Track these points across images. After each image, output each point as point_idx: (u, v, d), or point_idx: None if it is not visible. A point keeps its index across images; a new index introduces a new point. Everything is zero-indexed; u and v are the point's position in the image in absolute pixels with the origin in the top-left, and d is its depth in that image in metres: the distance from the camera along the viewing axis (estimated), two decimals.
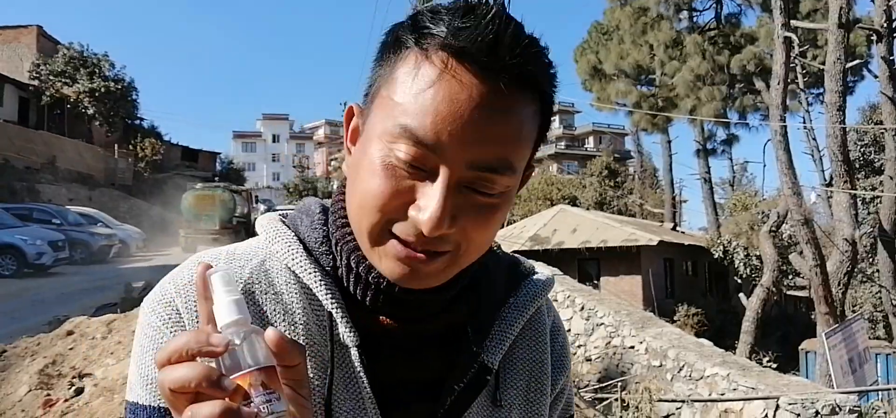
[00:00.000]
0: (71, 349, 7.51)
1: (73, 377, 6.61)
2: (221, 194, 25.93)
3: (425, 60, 0.75)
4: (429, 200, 0.74)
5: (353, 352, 0.85)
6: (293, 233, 0.91)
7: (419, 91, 0.74)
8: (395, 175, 0.76)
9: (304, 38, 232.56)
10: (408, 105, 0.75)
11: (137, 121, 42.11)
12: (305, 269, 0.87)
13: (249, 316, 0.68)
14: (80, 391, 6.29)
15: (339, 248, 0.89)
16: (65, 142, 33.47)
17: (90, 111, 35.37)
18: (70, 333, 8.02)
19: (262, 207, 31.14)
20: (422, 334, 0.89)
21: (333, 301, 0.85)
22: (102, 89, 35.44)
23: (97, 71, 36.16)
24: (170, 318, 0.82)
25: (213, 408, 0.60)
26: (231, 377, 0.62)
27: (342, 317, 0.85)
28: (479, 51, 0.73)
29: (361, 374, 0.84)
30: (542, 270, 1.03)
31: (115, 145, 37.20)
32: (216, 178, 50.96)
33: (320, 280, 0.86)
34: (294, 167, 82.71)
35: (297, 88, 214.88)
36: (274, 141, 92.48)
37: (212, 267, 0.71)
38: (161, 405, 0.80)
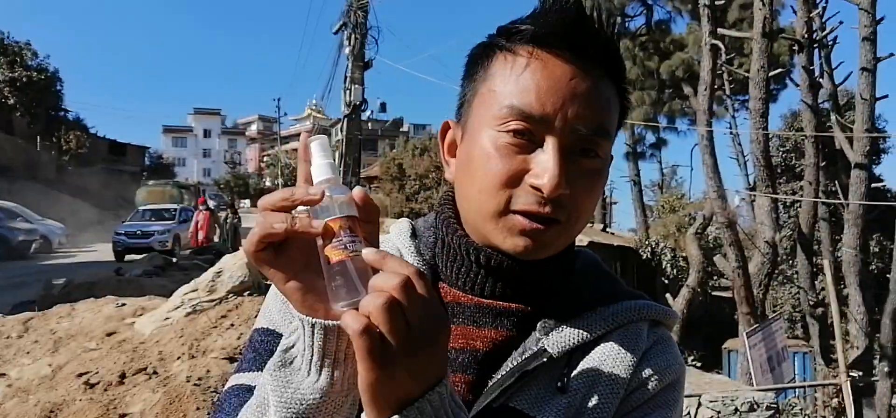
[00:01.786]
0: None
1: None
2: (170, 189, 31.83)
3: (517, 54, 0.87)
4: (545, 165, 0.83)
5: None
6: (410, 226, 1.06)
7: (518, 75, 0.85)
8: (508, 153, 0.85)
9: (237, 33, 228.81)
10: (509, 89, 0.85)
11: (62, 113, 40.83)
12: (405, 245, 1.01)
13: (339, 177, 0.77)
14: None
15: (438, 225, 1.00)
16: None
17: (10, 101, 34.14)
18: None
19: (211, 202, 32.11)
20: (498, 312, 0.94)
21: (420, 264, 0.98)
22: (24, 79, 34.29)
23: (18, 60, 34.97)
24: None
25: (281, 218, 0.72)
26: (324, 220, 0.72)
27: None
28: (566, 33, 0.85)
29: None
30: (658, 305, 1.03)
31: (38, 137, 35.98)
32: (144, 174, 49.86)
33: (413, 252, 1.00)
34: (226, 163, 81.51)
35: (229, 83, 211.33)
36: (205, 136, 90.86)
37: (312, 136, 0.79)
38: (268, 326, 0.97)
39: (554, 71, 0.84)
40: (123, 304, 8.51)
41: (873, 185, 19.27)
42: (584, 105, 0.84)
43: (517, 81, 0.84)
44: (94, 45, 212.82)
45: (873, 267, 24.04)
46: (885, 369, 18.48)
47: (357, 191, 0.75)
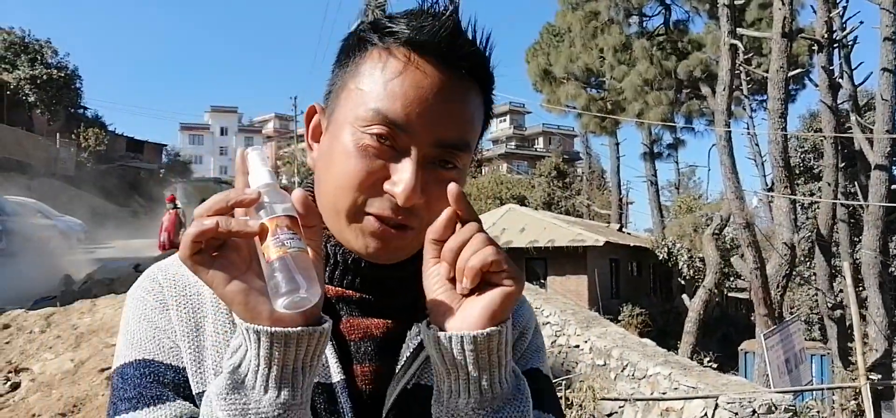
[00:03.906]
0: (7, 343, 7.35)
1: (9, 371, 6.45)
2: (212, 186, 37.81)
3: (390, 55, 0.86)
4: (402, 174, 0.83)
5: None
6: None
7: (387, 80, 0.84)
8: (368, 155, 0.85)
9: (254, 31, 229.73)
10: (377, 92, 0.85)
11: (81, 111, 40.98)
12: None
13: (278, 184, 0.78)
14: (16, 386, 6.15)
15: None
16: (3, 129, 32.43)
17: (31, 98, 34.38)
18: (6, 326, 7.84)
19: None
20: (381, 302, 0.96)
21: None
22: (44, 76, 34.47)
23: (39, 57, 35.17)
24: (151, 290, 0.92)
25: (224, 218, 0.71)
26: (261, 221, 0.72)
27: None
28: (439, 44, 0.85)
29: None
30: None
31: (57, 134, 36.16)
32: (162, 171, 50.12)
33: None
34: None
35: (246, 81, 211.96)
36: (222, 134, 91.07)
37: (249, 148, 0.80)
38: (143, 357, 0.87)
39: (423, 81, 0.84)
40: None
41: (893, 187, 19.06)
42: (448, 120, 0.86)
43: (386, 85, 0.85)
44: (112, 43, 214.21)
45: (893, 269, 23.82)
46: None
47: (297, 194, 0.75)
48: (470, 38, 0.89)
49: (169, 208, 17.07)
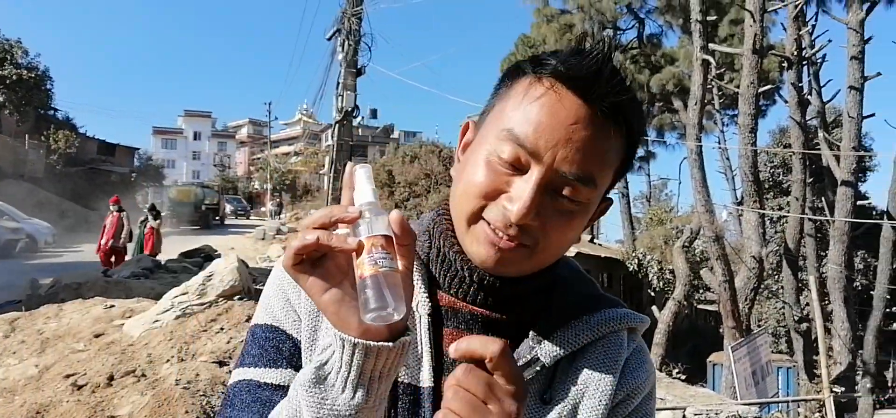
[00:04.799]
0: None
1: None
2: (195, 189, 40.07)
3: (537, 82, 0.91)
4: (520, 192, 0.88)
5: (424, 320, 0.98)
6: None
7: (527, 104, 0.90)
8: (495, 169, 0.91)
9: (229, 36, 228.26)
10: (515, 114, 0.91)
11: (51, 112, 40.40)
12: None
13: (379, 203, 0.82)
14: None
15: (434, 233, 1.04)
16: None
17: (0, 99, 33.88)
18: None
19: (228, 207, 45.92)
20: (490, 321, 1.00)
21: (416, 275, 0.99)
22: (14, 77, 33.97)
23: (9, 57, 34.63)
24: (286, 277, 1.02)
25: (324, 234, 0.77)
26: (359, 238, 0.77)
27: (420, 288, 1.00)
28: (583, 79, 0.89)
29: (425, 337, 0.98)
30: (635, 313, 1.10)
31: (26, 136, 35.64)
32: (133, 175, 49.53)
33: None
34: (215, 165, 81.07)
35: (220, 86, 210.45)
36: (195, 138, 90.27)
37: (358, 165, 0.85)
38: (272, 323, 1.01)
39: (559, 111, 0.88)
40: (112, 306, 8.48)
41: (859, 203, 19.41)
42: (576, 151, 0.88)
43: (524, 110, 0.90)
44: (85, 44, 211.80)
45: (857, 284, 24.22)
46: (868, 385, 18.61)
47: (394, 215, 0.79)
48: (617, 80, 0.91)
49: (112, 210, 16.41)
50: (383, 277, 0.75)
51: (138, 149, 57.05)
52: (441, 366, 0.97)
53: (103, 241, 16.04)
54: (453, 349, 0.80)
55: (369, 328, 0.77)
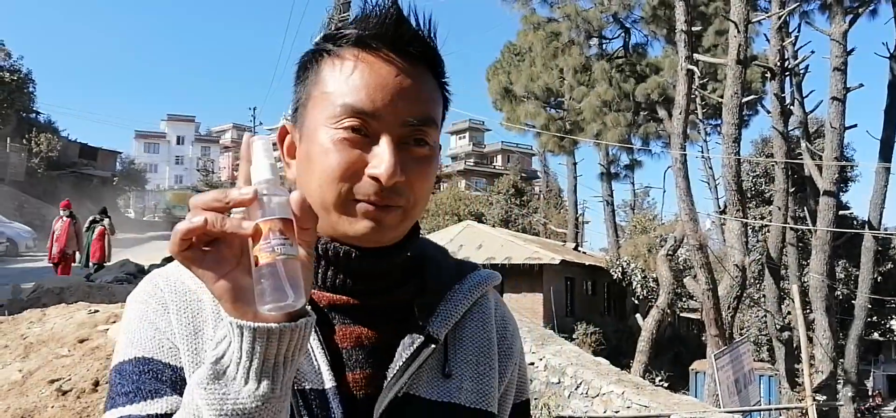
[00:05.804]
0: None
1: None
2: (190, 193, 43.10)
3: (345, 56, 0.93)
4: (381, 156, 0.89)
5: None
6: None
7: (347, 76, 0.91)
8: (345, 147, 0.90)
9: (213, 40, 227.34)
10: (341, 90, 0.91)
11: (33, 115, 40.10)
12: None
13: (280, 179, 0.77)
14: None
15: None
16: None
17: None
18: None
19: None
20: (372, 309, 0.99)
21: None
22: None
23: None
24: (153, 293, 0.95)
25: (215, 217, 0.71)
26: (255, 221, 0.71)
27: None
28: (386, 34, 0.92)
29: (314, 340, 0.93)
30: (489, 271, 1.14)
31: (8, 139, 35.32)
32: (115, 179, 49.21)
33: None
34: (198, 170, 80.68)
35: (204, 90, 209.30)
36: (178, 143, 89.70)
37: (256, 136, 0.80)
38: (142, 355, 0.90)
39: (380, 70, 0.91)
40: (96, 311, 8.40)
41: (841, 213, 19.60)
42: (410, 98, 0.92)
43: (347, 81, 0.91)
44: (67, 48, 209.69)
45: (839, 293, 24.43)
46: (849, 394, 18.80)
47: (295, 196, 0.75)
48: (415, 23, 0.95)
49: (63, 215, 14.96)
50: (281, 265, 0.70)
51: (121, 153, 56.57)
52: (340, 364, 0.95)
53: (55, 250, 14.61)
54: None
55: (266, 316, 0.72)
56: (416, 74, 0.94)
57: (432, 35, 0.97)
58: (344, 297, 0.98)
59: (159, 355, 0.90)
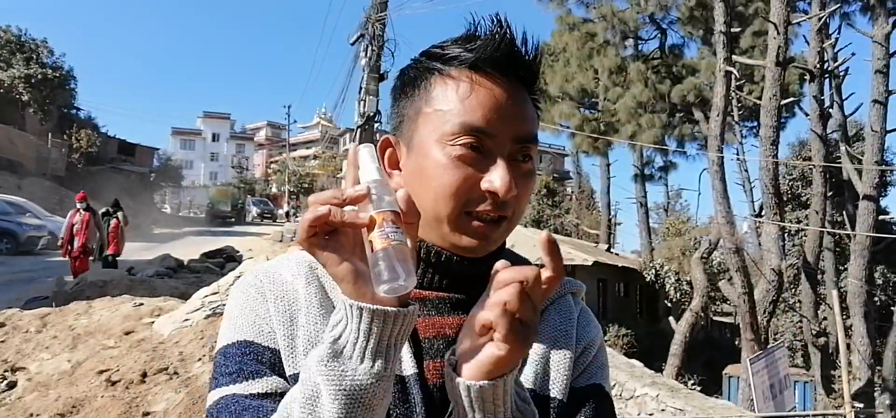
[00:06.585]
0: (2, 342, 7.35)
1: (5, 370, 6.47)
2: (232, 189, 50.51)
3: (459, 76, 1.00)
4: (497, 173, 0.97)
5: None
6: None
7: (463, 97, 0.98)
8: (461, 164, 0.97)
9: (250, 38, 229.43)
10: (457, 108, 0.98)
11: (74, 111, 40.75)
12: None
13: (386, 179, 0.86)
14: (12, 385, 6.16)
15: None
16: None
17: (25, 97, 34.23)
18: (1, 325, 7.85)
19: (254, 209, 50.86)
20: (453, 301, 1.07)
21: None
22: (39, 76, 34.34)
23: (35, 56, 35.05)
24: (254, 284, 1.04)
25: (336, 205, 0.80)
26: (369, 213, 0.81)
27: None
28: (500, 60, 1.00)
29: None
30: (571, 278, 1.20)
31: (49, 134, 35.98)
32: (152, 175, 49.92)
33: None
34: (232, 167, 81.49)
35: (239, 88, 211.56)
36: (214, 140, 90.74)
37: (361, 145, 0.88)
38: (244, 339, 0.99)
39: (493, 91, 0.99)
40: (141, 304, 8.60)
41: (880, 217, 19.28)
42: (519, 119, 1.00)
43: (462, 102, 0.98)
44: (108, 45, 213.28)
45: (877, 298, 24.05)
46: (887, 402, 18.50)
47: (401, 193, 0.83)
48: (523, 53, 1.02)
49: (80, 207, 14.37)
50: (394, 250, 0.78)
51: (158, 149, 57.23)
52: (421, 353, 1.02)
53: (76, 244, 14.06)
54: (500, 273, 0.84)
55: (382, 299, 0.79)
56: (522, 96, 1.02)
57: (536, 59, 1.04)
58: (429, 292, 1.06)
59: (260, 339, 0.98)
